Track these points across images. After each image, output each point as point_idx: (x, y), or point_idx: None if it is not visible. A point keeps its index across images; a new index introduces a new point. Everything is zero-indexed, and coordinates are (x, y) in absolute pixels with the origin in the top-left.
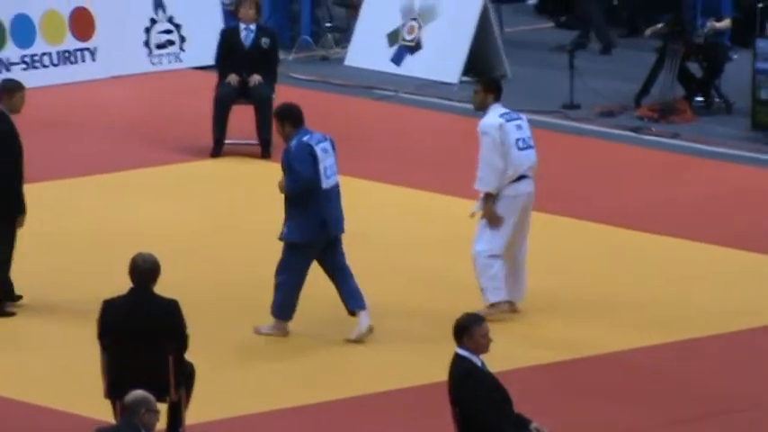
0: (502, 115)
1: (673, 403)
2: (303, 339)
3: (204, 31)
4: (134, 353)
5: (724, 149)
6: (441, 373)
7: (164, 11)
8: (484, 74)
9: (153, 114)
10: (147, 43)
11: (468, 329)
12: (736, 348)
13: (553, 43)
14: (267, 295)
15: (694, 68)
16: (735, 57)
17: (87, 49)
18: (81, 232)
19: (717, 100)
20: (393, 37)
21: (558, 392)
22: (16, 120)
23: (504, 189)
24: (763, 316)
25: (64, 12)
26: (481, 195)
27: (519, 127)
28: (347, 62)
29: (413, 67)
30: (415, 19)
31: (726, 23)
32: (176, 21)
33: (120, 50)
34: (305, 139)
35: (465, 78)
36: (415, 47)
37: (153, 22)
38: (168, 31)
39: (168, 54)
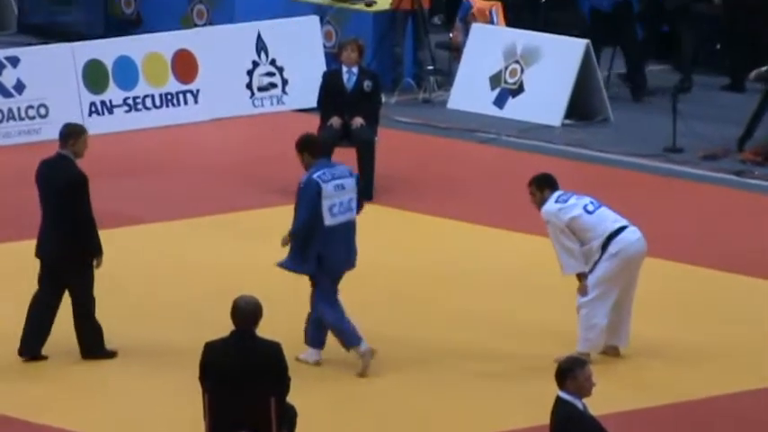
0: (558, 200)
1: None
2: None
3: (306, 74)
4: (236, 395)
5: None
6: (542, 416)
7: (266, 54)
8: (584, 117)
9: (255, 157)
10: (249, 86)
11: (572, 372)
12: None
13: (655, 86)
14: (375, 338)
15: None
16: None
17: (190, 91)
18: (182, 274)
19: None
20: (495, 80)
21: None
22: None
23: (605, 250)
24: None
25: (166, 54)
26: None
27: (579, 197)
28: (449, 105)
29: (515, 110)
30: (517, 62)
31: None
32: (279, 63)
33: (222, 93)
34: (316, 175)
35: (567, 121)
36: (518, 90)
37: (255, 64)
38: (271, 74)
39: (270, 96)
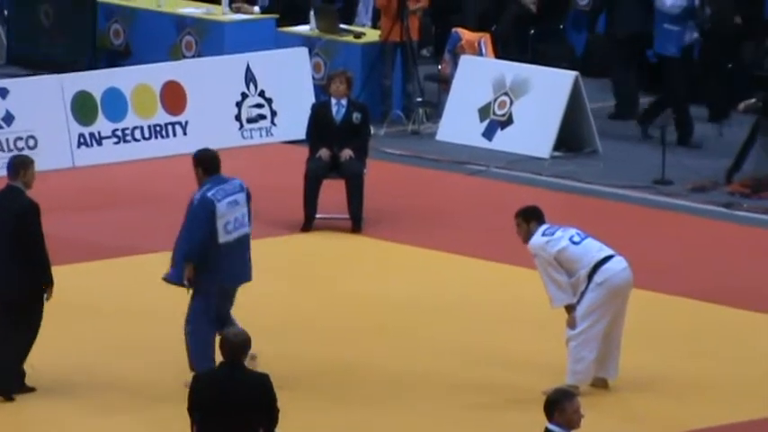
0: (544, 233)
1: None
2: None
3: (295, 106)
4: (225, 427)
5: None
6: None
7: (255, 85)
8: (573, 149)
9: None
10: (238, 117)
11: (560, 404)
12: None
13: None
14: (362, 370)
15: None
16: None
17: (178, 122)
18: (170, 307)
19: None
20: (484, 112)
21: None
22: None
23: (591, 280)
24: None
25: (155, 85)
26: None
27: (565, 229)
28: (438, 137)
29: (504, 141)
30: (506, 93)
31: None
32: (267, 95)
33: (211, 124)
34: (210, 194)
35: (556, 153)
36: (507, 121)
37: (244, 96)
38: (259, 105)
39: (259, 128)
